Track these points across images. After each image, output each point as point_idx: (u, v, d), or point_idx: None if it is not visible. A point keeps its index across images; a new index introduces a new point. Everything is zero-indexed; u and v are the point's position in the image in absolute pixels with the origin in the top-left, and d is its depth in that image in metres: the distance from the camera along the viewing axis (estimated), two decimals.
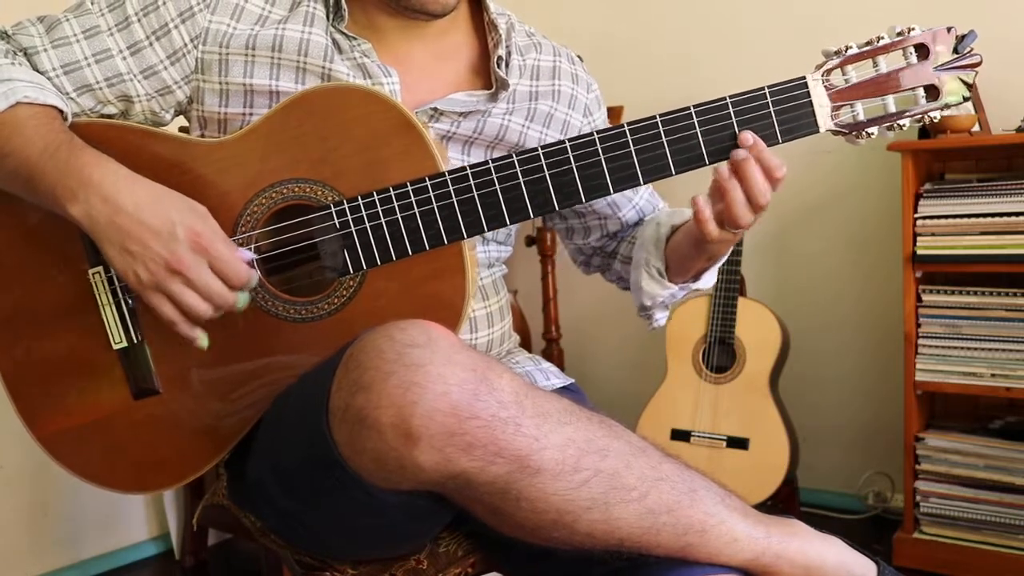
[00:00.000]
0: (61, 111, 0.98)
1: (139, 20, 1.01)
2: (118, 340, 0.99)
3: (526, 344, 2.52)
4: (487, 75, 1.10)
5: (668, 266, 1.12)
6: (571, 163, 0.95)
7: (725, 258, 1.12)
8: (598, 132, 0.95)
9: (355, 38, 1.03)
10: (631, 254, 1.21)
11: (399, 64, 1.05)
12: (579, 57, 1.25)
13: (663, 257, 1.12)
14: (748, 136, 0.95)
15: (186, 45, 1.01)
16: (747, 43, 2.47)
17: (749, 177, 0.94)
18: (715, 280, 1.17)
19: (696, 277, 1.14)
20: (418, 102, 1.05)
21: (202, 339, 0.95)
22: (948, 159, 2.15)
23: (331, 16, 1.03)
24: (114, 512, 2.29)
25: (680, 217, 1.13)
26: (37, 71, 1.00)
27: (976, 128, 2.00)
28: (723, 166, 0.95)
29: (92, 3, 1.03)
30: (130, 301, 0.99)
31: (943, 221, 1.96)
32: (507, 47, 1.09)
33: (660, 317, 1.19)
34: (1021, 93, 2.07)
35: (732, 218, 0.96)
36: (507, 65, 1.09)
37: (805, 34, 2.36)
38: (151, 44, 1.01)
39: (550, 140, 1.14)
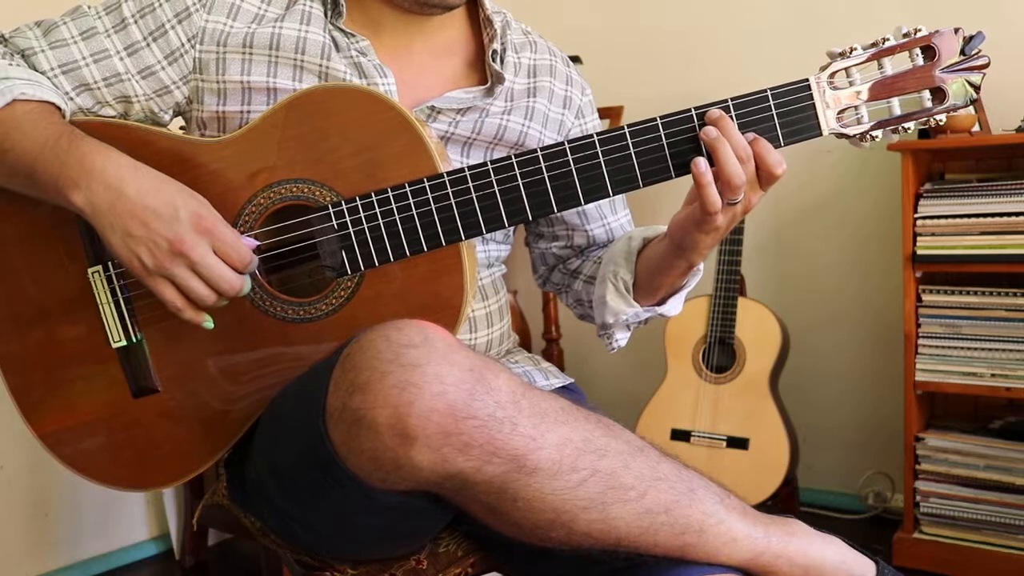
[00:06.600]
0: (59, 108, 0.98)
1: (136, 22, 1.01)
2: (117, 339, 0.99)
3: (526, 344, 2.52)
4: (483, 71, 1.10)
5: (637, 281, 1.08)
6: (570, 165, 0.95)
7: (699, 278, 1.08)
8: (598, 134, 0.94)
9: (353, 35, 1.03)
10: (595, 273, 1.17)
11: (396, 62, 1.05)
12: (577, 58, 1.24)
13: (633, 270, 1.08)
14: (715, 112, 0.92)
15: (183, 45, 1.01)
16: (748, 43, 2.47)
17: (728, 130, 0.91)
18: (681, 308, 1.12)
19: (662, 301, 1.09)
20: (415, 100, 1.05)
21: (208, 321, 0.94)
22: (948, 159, 2.14)
23: (329, 13, 1.03)
24: (114, 512, 2.29)
25: (653, 231, 1.10)
26: (35, 71, 1.00)
27: (976, 128, 1.99)
28: (708, 128, 0.91)
29: (89, 7, 1.03)
30: (129, 300, 0.99)
31: (943, 221, 1.96)
32: (502, 43, 1.09)
33: (620, 338, 1.14)
34: (1021, 93, 2.06)
35: (727, 177, 0.90)
36: (502, 61, 1.09)
37: (808, 34, 2.36)
38: (148, 45, 1.01)
39: (547, 140, 1.14)
